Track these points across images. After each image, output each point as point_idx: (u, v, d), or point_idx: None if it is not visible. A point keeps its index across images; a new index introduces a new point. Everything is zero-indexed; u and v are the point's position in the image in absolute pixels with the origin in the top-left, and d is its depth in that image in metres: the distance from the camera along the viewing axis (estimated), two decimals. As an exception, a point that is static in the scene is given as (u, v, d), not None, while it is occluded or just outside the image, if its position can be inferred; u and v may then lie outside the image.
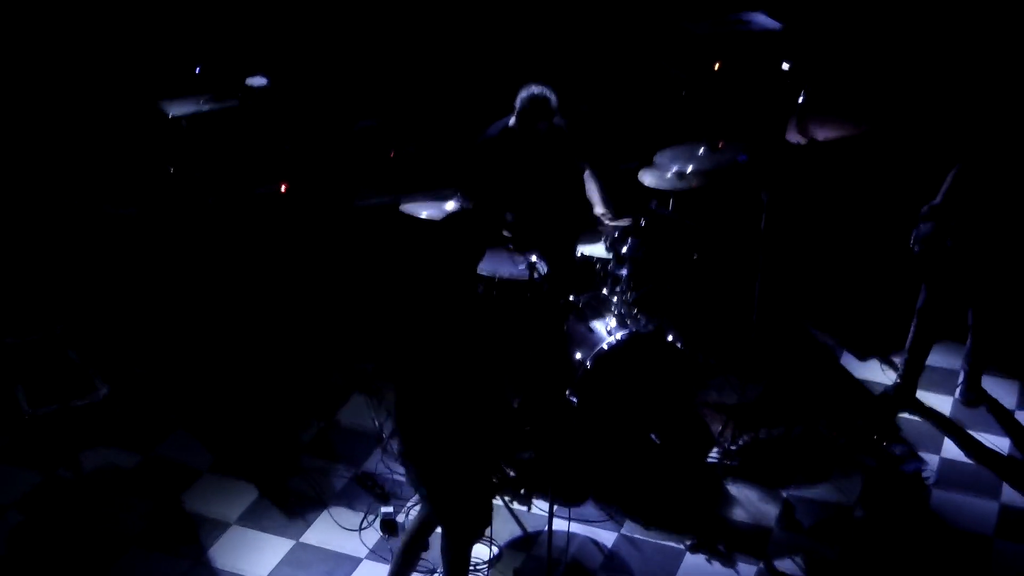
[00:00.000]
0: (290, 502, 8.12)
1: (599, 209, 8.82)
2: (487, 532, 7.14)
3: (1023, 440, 8.77)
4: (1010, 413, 9.02)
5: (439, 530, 6.90)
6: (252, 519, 7.98)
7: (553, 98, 8.57)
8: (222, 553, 7.71)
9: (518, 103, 8.60)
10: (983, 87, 10.25)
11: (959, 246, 8.47)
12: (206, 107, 9.48)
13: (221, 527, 7.91)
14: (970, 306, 8.92)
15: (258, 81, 9.60)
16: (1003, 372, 9.37)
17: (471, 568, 7.41)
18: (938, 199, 8.54)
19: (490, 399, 6.52)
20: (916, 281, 8.91)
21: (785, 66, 10.01)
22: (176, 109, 9.44)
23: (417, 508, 7.86)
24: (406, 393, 6.51)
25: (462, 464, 6.53)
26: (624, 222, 8.57)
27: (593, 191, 8.90)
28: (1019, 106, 9.14)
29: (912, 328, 8.94)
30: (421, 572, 7.30)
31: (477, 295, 6.88)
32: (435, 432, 6.42)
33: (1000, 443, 8.75)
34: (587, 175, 8.93)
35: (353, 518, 7.94)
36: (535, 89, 8.57)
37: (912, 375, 9.03)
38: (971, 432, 8.84)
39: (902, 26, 10.83)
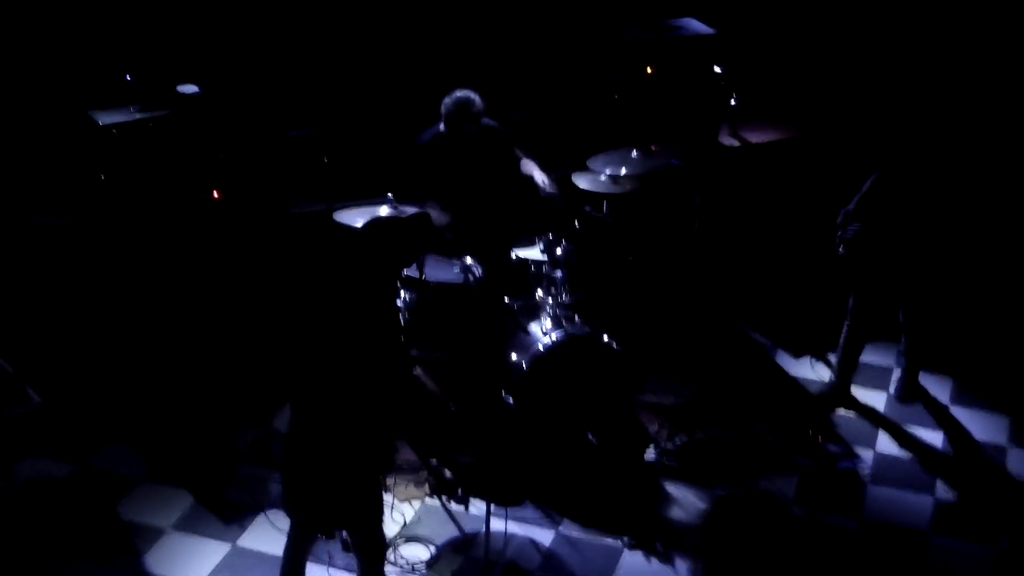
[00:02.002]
0: (227, 507, 8.06)
1: (538, 176, 8.85)
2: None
3: (957, 435, 8.86)
4: (944, 409, 9.10)
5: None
6: (188, 525, 7.91)
7: (477, 100, 8.59)
8: (158, 560, 7.64)
9: (443, 109, 8.62)
10: (902, 93, 10.36)
11: (883, 249, 8.54)
12: (137, 115, 9.42)
13: (156, 534, 7.84)
14: (899, 306, 8.99)
15: (190, 89, 9.56)
16: (937, 369, 9.44)
17: (410, 569, 7.42)
18: (851, 205, 8.61)
19: (390, 400, 6.51)
20: (844, 283, 8.97)
21: (717, 70, 10.08)
22: (107, 118, 9.39)
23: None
24: (309, 398, 6.46)
25: (358, 468, 6.50)
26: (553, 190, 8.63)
27: (530, 166, 8.93)
28: (936, 113, 9.25)
29: (844, 328, 9.01)
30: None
31: (395, 306, 6.85)
32: (337, 437, 6.38)
33: (934, 439, 8.83)
34: (522, 160, 8.96)
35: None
36: (458, 93, 8.60)
37: (846, 373, 9.10)
38: (906, 428, 8.91)
39: (833, 31, 10.91)
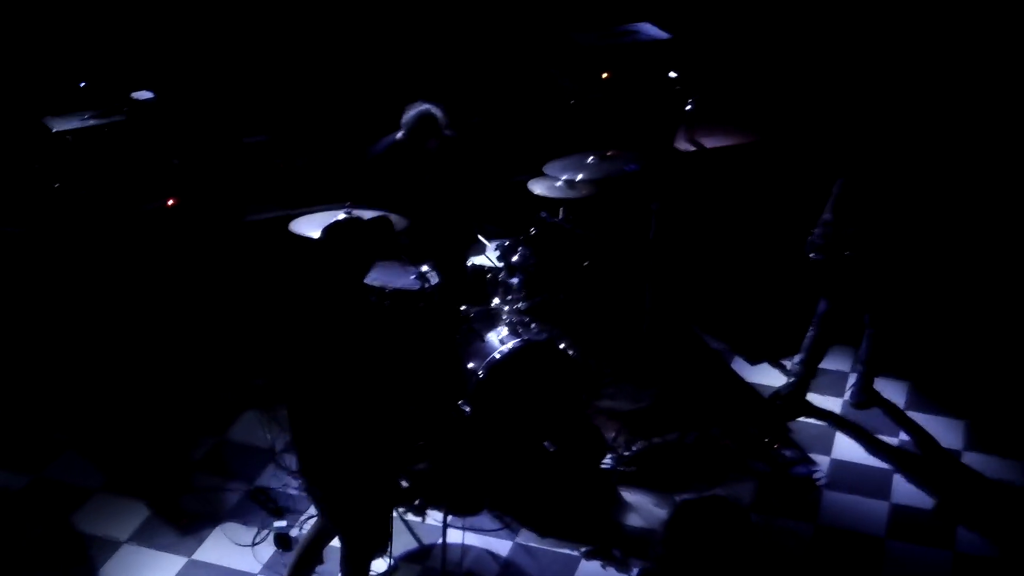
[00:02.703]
0: (183, 519, 8.02)
1: None
2: (387, 546, 7.12)
3: (913, 440, 8.89)
4: (900, 413, 9.13)
5: (335, 543, 6.87)
6: (144, 537, 7.88)
7: (439, 114, 8.60)
8: (113, 572, 7.60)
9: (406, 121, 8.61)
10: (864, 100, 10.39)
11: (857, 255, 8.56)
12: (92, 122, 9.37)
13: (112, 547, 7.80)
14: (866, 311, 9.01)
15: (144, 95, 9.51)
16: (893, 374, 9.48)
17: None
18: (827, 212, 8.63)
19: (386, 410, 6.48)
20: (811, 285, 8.99)
21: (673, 75, 10.09)
22: (61, 124, 9.33)
23: (311, 522, 7.82)
24: (301, 409, 6.46)
25: (360, 478, 6.49)
26: None
27: None
28: (899, 120, 9.28)
29: (811, 334, 9.02)
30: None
31: (368, 306, 6.83)
32: (332, 447, 6.38)
33: (890, 443, 8.86)
34: None
35: (247, 534, 7.87)
36: (421, 108, 8.60)
37: (806, 379, 9.12)
38: (862, 433, 8.94)
39: (787, 35, 10.94)
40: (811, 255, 8.73)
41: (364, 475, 6.49)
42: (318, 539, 6.95)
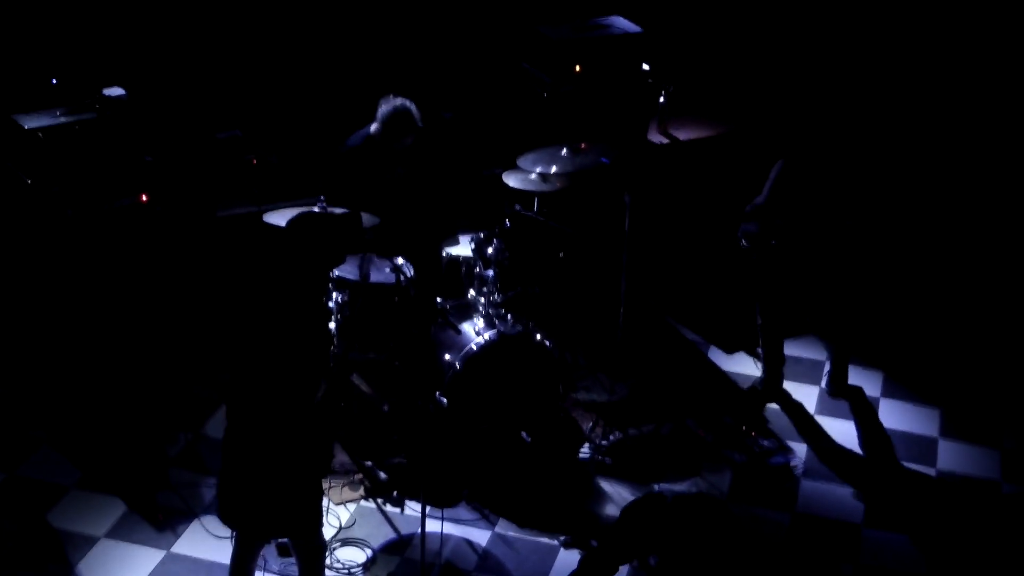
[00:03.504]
0: (159, 513, 7.99)
1: None
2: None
3: (888, 428, 8.93)
4: (875, 402, 9.18)
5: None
6: (121, 532, 7.85)
7: (415, 111, 8.60)
8: (90, 568, 7.58)
9: (381, 116, 8.59)
10: (807, 86, 10.46)
11: (783, 243, 8.59)
12: (63, 119, 9.32)
13: (89, 542, 7.77)
14: (805, 301, 9.03)
15: (116, 92, 9.47)
16: (867, 362, 9.52)
17: (346, 572, 7.41)
18: (762, 196, 8.66)
19: (324, 404, 6.48)
20: (749, 278, 9.03)
21: (645, 68, 10.10)
22: (32, 121, 9.28)
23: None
24: (247, 400, 6.42)
25: (306, 461, 6.47)
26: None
27: None
28: (840, 104, 9.33)
29: (757, 326, 9.06)
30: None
31: (324, 304, 6.81)
32: (279, 436, 6.35)
33: (866, 431, 8.90)
34: None
35: (224, 527, 7.80)
36: (397, 103, 8.57)
37: (774, 368, 9.15)
38: (838, 422, 8.98)
39: (758, 27, 10.97)
40: (741, 242, 8.77)
41: (299, 469, 6.48)
42: (245, 554, 6.92)
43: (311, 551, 6.77)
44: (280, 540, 7.58)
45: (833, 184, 8.50)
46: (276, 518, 6.55)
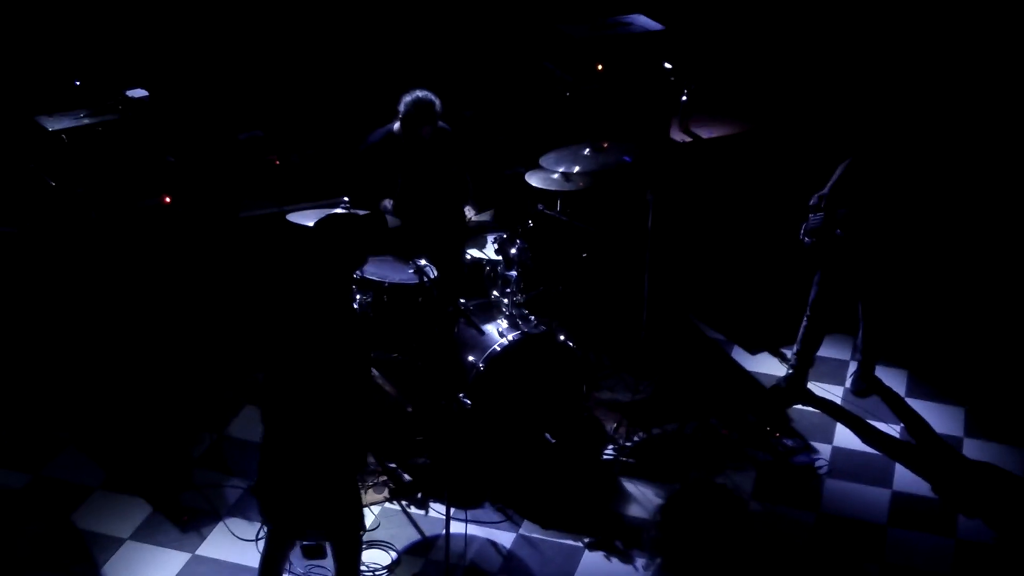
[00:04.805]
0: (184, 515, 8.00)
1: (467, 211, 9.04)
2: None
3: (913, 427, 8.91)
4: (900, 401, 9.15)
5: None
6: (146, 534, 7.86)
7: (437, 102, 8.63)
8: (116, 569, 7.58)
9: (402, 108, 8.64)
10: (874, 83, 10.39)
11: (848, 236, 8.57)
12: (86, 120, 9.35)
13: (115, 544, 7.78)
14: (859, 298, 9.03)
15: (138, 93, 9.49)
16: (892, 362, 9.49)
17: (371, 574, 7.42)
18: (826, 189, 8.65)
19: (360, 404, 6.47)
20: (807, 274, 9.00)
21: (667, 66, 10.09)
22: (55, 123, 9.31)
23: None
24: (285, 399, 6.42)
25: (343, 463, 6.47)
26: (486, 216, 8.67)
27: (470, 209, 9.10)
28: (909, 102, 9.29)
29: (804, 321, 9.03)
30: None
31: (352, 305, 6.80)
32: (318, 436, 6.35)
33: (891, 431, 8.88)
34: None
35: (249, 529, 7.85)
36: (419, 94, 8.61)
37: (803, 367, 9.13)
38: (862, 421, 8.95)
39: (781, 24, 10.94)
40: (804, 239, 8.75)
41: (348, 459, 6.48)
42: (276, 550, 6.92)
43: (348, 551, 6.76)
44: (306, 542, 7.60)
45: (899, 180, 8.48)
46: (314, 515, 6.57)
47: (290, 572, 7.38)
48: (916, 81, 10.32)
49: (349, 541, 6.74)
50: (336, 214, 6.67)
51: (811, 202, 8.71)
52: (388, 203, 8.73)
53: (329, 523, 6.66)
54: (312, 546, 7.57)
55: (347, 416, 6.33)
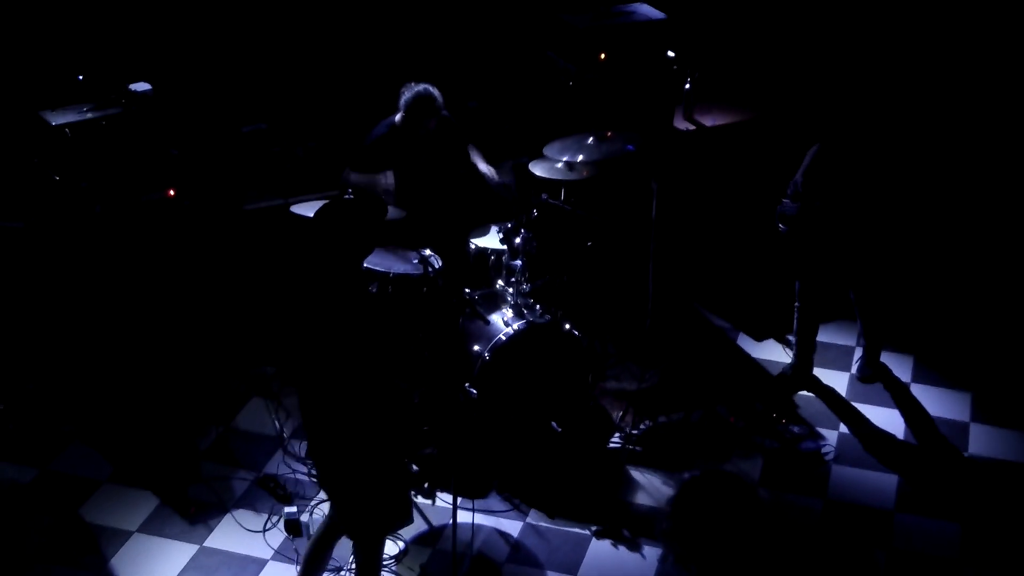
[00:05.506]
0: (192, 508, 8.02)
1: (483, 167, 9.06)
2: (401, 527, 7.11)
3: (919, 413, 8.90)
4: (905, 387, 9.14)
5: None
6: (154, 526, 7.88)
7: (437, 94, 8.62)
8: (125, 562, 7.61)
9: (403, 102, 8.63)
10: (844, 70, 10.40)
11: (825, 224, 8.56)
12: (90, 115, 9.35)
13: (123, 536, 7.81)
14: (849, 286, 9.02)
15: (141, 87, 9.49)
16: (897, 347, 9.48)
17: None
18: (798, 176, 8.64)
19: (387, 394, 6.47)
20: (787, 261, 9.01)
21: (670, 55, 10.08)
22: (59, 118, 9.32)
23: (320, 508, 7.84)
24: (308, 393, 6.45)
25: (365, 461, 6.48)
26: (507, 177, 8.76)
27: (475, 156, 9.11)
28: (878, 87, 9.27)
29: (795, 311, 9.03)
30: (329, 571, 7.25)
31: (366, 290, 6.80)
32: (337, 430, 6.37)
33: (897, 417, 8.87)
34: (470, 150, 9.07)
35: (257, 520, 7.88)
36: (418, 88, 8.61)
37: (805, 354, 9.12)
38: (868, 407, 8.95)
39: (784, 11, 10.93)
40: (780, 226, 8.75)
41: (368, 457, 6.48)
42: (329, 530, 6.93)
43: (364, 544, 6.77)
44: (291, 517, 7.64)
45: (869, 167, 8.46)
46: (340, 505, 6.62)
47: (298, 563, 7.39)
48: (897, 68, 10.33)
49: (364, 537, 6.74)
50: (334, 201, 6.66)
51: (788, 191, 8.70)
52: (390, 176, 8.74)
53: (346, 515, 6.67)
54: (294, 521, 7.62)
55: (366, 410, 6.34)
